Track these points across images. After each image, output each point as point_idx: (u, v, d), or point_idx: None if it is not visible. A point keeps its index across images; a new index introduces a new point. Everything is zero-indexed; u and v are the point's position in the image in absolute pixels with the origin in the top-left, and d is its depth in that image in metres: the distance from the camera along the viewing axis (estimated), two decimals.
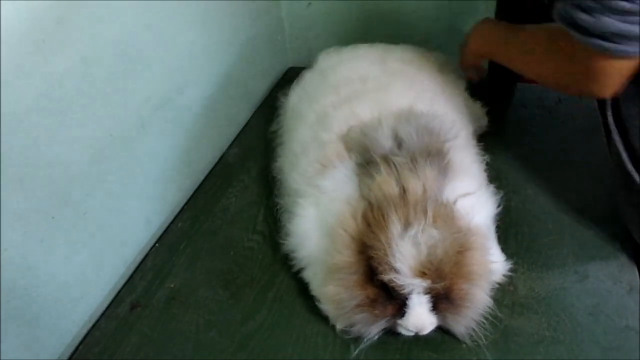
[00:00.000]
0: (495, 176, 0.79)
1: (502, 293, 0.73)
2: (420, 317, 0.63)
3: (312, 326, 0.72)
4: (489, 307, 0.69)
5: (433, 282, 0.61)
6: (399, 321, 0.64)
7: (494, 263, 0.70)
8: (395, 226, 0.61)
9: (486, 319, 0.68)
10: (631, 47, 0.59)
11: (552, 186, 0.92)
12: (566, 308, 0.71)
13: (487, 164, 0.86)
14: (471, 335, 0.67)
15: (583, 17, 0.59)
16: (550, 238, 0.82)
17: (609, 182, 0.90)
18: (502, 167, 0.96)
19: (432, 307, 0.63)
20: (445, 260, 0.61)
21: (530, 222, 0.85)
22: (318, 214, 0.72)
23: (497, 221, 0.79)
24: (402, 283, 0.61)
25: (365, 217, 0.65)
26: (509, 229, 0.83)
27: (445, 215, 0.63)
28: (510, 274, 0.75)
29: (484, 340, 0.67)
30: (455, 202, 0.67)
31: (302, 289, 0.76)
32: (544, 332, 0.69)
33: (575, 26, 0.61)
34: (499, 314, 0.70)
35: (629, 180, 0.73)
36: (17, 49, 0.60)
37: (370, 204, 0.65)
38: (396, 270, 0.60)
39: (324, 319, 0.72)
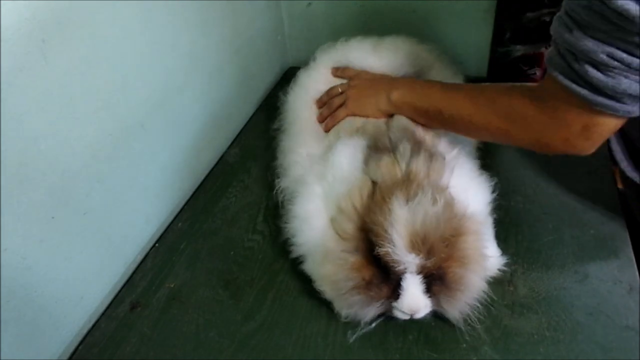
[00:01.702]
0: (495, 176, 0.79)
1: (502, 293, 0.73)
2: (414, 299, 0.64)
3: (312, 326, 0.72)
4: (489, 306, 0.69)
5: (425, 257, 0.62)
6: (394, 304, 0.65)
7: (489, 255, 0.70)
8: (397, 201, 0.63)
9: (486, 318, 0.69)
10: (635, 107, 0.57)
11: (552, 186, 0.92)
12: (566, 308, 0.71)
13: (488, 163, 0.86)
14: (465, 321, 0.67)
15: (596, 75, 0.55)
16: (550, 238, 0.82)
17: (609, 182, 0.91)
18: (502, 166, 0.96)
19: (426, 288, 0.64)
20: (438, 238, 0.62)
21: (530, 222, 0.85)
22: (322, 192, 0.74)
23: (497, 221, 0.80)
24: (396, 257, 0.61)
25: (370, 195, 0.67)
26: (509, 229, 0.83)
27: (444, 199, 0.65)
28: (510, 273, 0.75)
29: (479, 325, 0.67)
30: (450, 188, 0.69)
31: (302, 289, 0.76)
32: (544, 332, 0.69)
33: (581, 82, 0.57)
34: (499, 314, 0.70)
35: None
36: (17, 49, 0.60)
37: (374, 183, 0.67)
38: (392, 242, 0.61)
39: (324, 319, 0.72)
